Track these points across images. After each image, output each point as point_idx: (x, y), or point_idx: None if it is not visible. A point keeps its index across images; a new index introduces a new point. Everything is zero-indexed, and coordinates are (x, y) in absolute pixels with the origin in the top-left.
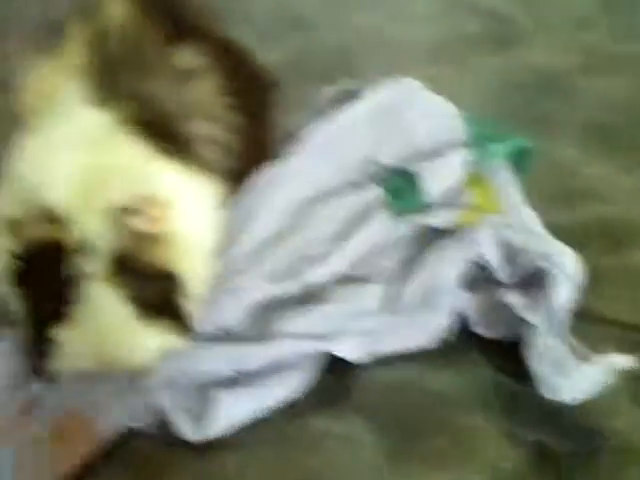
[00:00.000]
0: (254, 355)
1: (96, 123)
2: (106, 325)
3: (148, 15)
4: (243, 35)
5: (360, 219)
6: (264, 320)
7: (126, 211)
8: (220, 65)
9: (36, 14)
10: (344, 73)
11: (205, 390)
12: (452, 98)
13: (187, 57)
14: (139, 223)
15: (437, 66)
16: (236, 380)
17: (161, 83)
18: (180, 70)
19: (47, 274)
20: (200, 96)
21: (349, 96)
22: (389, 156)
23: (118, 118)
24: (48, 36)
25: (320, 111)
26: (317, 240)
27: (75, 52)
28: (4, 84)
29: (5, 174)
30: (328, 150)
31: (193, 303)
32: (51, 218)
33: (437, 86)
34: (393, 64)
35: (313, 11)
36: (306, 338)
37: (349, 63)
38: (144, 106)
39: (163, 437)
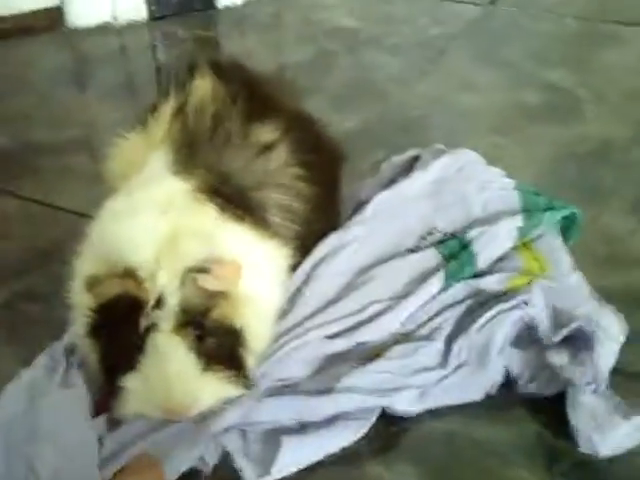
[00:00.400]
0: (318, 408)
1: (175, 190)
2: (171, 374)
3: (229, 92)
4: (317, 104)
5: (416, 281)
6: (326, 374)
7: (196, 270)
8: (292, 138)
9: (112, 76)
10: (411, 140)
11: (270, 437)
12: (509, 165)
13: (263, 132)
14: (208, 281)
15: (497, 135)
16: (300, 429)
17: (238, 156)
18: (256, 144)
19: (120, 326)
20: (272, 167)
21: (413, 162)
22: (446, 224)
23: (196, 186)
24: (125, 97)
25: (387, 179)
26: (374, 300)
27: (160, 124)
28: (90, 146)
29: (89, 235)
30: (389, 219)
31: (255, 357)
32: (129, 275)
33: (496, 153)
34: (457, 132)
35: (385, 80)
36: (365, 393)
37: (416, 131)
38: (220, 177)
39: (223, 476)
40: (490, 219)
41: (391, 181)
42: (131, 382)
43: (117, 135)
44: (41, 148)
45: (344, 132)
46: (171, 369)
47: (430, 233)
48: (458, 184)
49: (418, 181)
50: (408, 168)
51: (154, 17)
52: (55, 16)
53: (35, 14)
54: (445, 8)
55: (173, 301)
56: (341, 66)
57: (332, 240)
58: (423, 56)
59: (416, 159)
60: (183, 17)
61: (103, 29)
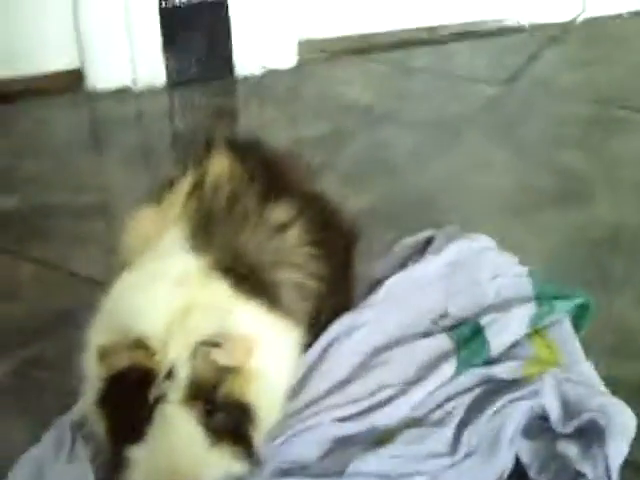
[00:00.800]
0: None
1: (189, 265)
2: (178, 446)
3: (247, 171)
4: (330, 181)
5: (428, 367)
6: (336, 457)
7: (208, 344)
8: (307, 217)
9: (130, 140)
10: (425, 220)
11: None
12: (520, 249)
13: (278, 212)
14: (219, 356)
15: (509, 218)
16: None
17: (253, 235)
18: (271, 224)
19: (129, 397)
20: (287, 246)
21: (427, 244)
22: (458, 309)
23: (210, 263)
24: (142, 163)
25: (400, 259)
26: (386, 384)
27: (176, 200)
28: (105, 212)
29: (102, 305)
30: (401, 302)
31: (263, 435)
32: (140, 347)
33: (507, 237)
34: (470, 213)
35: (399, 158)
36: (375, 477)
37: (430, 210)
38: (235, 254)
39: None
40: (503, 306)
41: (404, 262)
42: (137, 453)
43: (132, 206)
44: (55, 212)
45: (357, 210)
46: (178, 441)
47: (442, 318)
48: (471, 269)
49: (431, 265)
50: (422, 250)
51: (173, 83)
52: (74, 78)
53: (54, 75)
54: (462, 86)
55: (183, 374)
56: (355, 142)
57: (345, 321)
58: (438, 134)
59: (429, 240)
60: (201, 84)
61: (122, 93)
